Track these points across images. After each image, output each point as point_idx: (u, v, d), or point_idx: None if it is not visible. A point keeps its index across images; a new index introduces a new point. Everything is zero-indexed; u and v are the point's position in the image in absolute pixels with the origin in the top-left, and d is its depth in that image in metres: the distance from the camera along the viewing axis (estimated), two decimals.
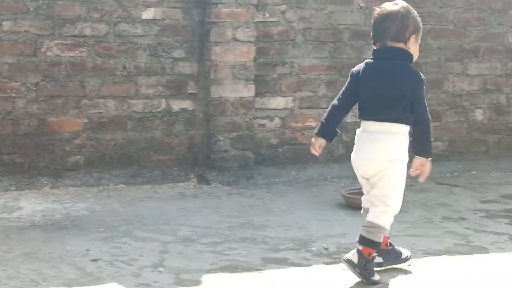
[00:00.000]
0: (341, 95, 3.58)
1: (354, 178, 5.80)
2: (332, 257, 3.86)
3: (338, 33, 6.08)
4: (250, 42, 5.70)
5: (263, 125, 5.96)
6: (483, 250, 4.03)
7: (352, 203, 4.96)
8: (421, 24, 3.57)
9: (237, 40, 5.66)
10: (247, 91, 5.72)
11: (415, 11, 3.56)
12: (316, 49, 6.04)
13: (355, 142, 3.54)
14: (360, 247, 3.40)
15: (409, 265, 3.71)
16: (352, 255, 3.40)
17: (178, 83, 5.72)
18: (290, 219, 4.65)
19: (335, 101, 3.58)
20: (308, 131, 6.07)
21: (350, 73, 3.58)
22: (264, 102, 5.94)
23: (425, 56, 6.29)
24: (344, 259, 3.42)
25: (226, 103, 5.69)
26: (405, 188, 5.29)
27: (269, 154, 6.00)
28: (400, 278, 3.54)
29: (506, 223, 4.64)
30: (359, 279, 3.43)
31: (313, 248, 4.01)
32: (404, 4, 3.53)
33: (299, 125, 6.07)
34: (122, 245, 3.97)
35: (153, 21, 5.61)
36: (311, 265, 3.71)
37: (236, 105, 5.71)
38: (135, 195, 5.19)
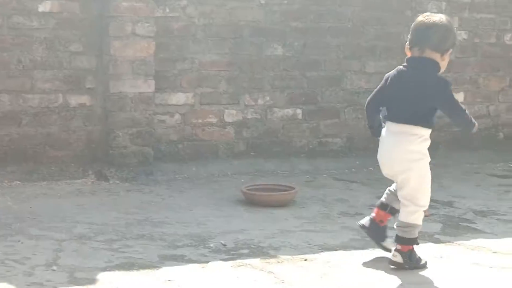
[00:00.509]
0: (373, 95, 3.82)
1: (255, 174, 5.94)
2: (229, 253, 3.85)
3: (238, 30, 6.09)
4: (150, 37, 5.64)
5: (163, 121, 5.91)
6: (375, 244, 4.09)
7: (252, 199, 4.98)
8: (454, 39, 3.68)
9: (137, 35, 5.59)
10: (147, 86, 5.66)
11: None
12: (217, 45, 6.03)
13: (379, 141, 3.73)
14: (399, 247, 3.61)
15: (305, 260, 3.75)
16: (394, 257, 3.62)
17: (75, 78, 5.61)
18: (189, 215, 4.63)
19: (368, 102, 3.82)
20: (209, 127, 6.07)
21: (384, 76, 3.79)
22: (164, 98, 5.89)
23: (324, 53, 6.38)
24: (390, 264, 3.63)
25: (126, 99, 5.61)
26: (303, 184, 5.38)
27: (169, 150, 5.95)
28: (299, 272, 3.56)
29: None
30: (258, 275, 3.45)
31: (211, 245, 3.99)
32: (448, 18, 3.68)
33: (200, 121, 6.05)
34: (15, 244, 3.86)
35: (49, 14, 5.48)
36: (209, 261, 3.69)
37: (135, 101, 5.63)
38: (30, 192, 5.06)
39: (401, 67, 3.70)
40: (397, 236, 3.63)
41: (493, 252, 4.01)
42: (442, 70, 3.63)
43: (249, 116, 6.20)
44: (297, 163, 6.26)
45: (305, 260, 3.76)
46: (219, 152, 6.12)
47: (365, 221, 3.82)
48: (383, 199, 3.84)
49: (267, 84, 6.23)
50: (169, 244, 3.97)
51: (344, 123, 6.53)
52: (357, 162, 6.42)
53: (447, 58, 3.62)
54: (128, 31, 5.56)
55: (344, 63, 6.47)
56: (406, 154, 3.59)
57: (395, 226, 3.67)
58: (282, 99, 6.30)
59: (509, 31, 7.02)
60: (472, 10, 6.87)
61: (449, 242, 4.20)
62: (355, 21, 6.46)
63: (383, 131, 3.70)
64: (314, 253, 3.87)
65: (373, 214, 3.83)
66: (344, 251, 3.95)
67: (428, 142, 3.64)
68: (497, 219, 4.76)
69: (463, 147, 6.93)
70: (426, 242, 4.16)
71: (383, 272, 3.61)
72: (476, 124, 3.75)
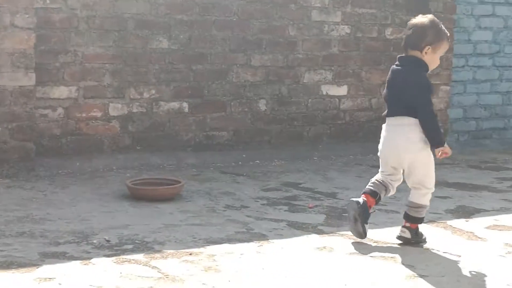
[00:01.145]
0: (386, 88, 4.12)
1: (140, 168, 5.88)
2: (113, 249, 3.79)
3: (123, 22, 6.00)
4: (29, 28, 5.46)
5: (45, 115, 5.76)
6: (262, 237, 4.13)
7: (137, 194, 4.92)
8: (443, 37, 3.95)
9: (16, 27, 5.41)
10: (27, 79, 5.49)
11: (441, 25, 3.98)
12: (101, 38, 5.92)
13: (381, 137, 4.13)
14: (408, 224, 4.06)
15: (190, 254, 3.74)
16: (403, 233, 4.06)
17: None
18: (72, 211, 4.53)
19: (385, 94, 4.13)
20: (93, 121, 5.95)
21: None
22: (46, 91, 5.74)
23: (210, 47, 6.37)
24: (398, 239, 4.06)
25: (5, 92, 5.42)
26: (189, 178, 5.37)
27: (52, 145, 5.80)
28: (184, 266, 3.54)
29: (286, 210, 4.80)
30: (142, 270, 3.42)
31: (95, 241, 3.92)
32: (431, 17, 3.99)
33: (84, 115, 5.93)
34: None
35: None
36: (91, 258, 3.62)
37: (15, 94, 5.45)
38: None
39: (393, 65, 4.06)
40: (409, 215, 4.05)
41: (374, 242, 4.11)
42: (431, 66, 3.97)
43: (135, 110, 6.12)
44: (183, 157, 6.23)
45: (190, 254, 3.74)
46: (104, 146, 6.02)
47: (359, 199, 4.05)
48: (371, 187, 4.10)
49: (153, 77, 6.17)
50: (50, 242, 3.87)
51: (230, 116, 6.55)
52: (244, 155, 6.46)
53: (430, 54, 3.93)
54: (7, 23, 5.37)
55: (230, 56, 6.48)
56: (409, 143, 3.94)
57: (406, 207, 4.08)
58: (168, 92, 6.25)
59: (389, 25, 7.21)
60: (354, 5, 7.01)
61: (332, 233, 4.28)
62: (240, 14, 6.48)
63: (383, 127, 4.11)
64: (199, 247, 3.87)
65: (364, 198, 4.05)
66: (229, 244, 3.96)
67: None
68: (379, 210, 4.85)
69: (346, 139, 7.09)
70: (309, 233, 4.23)
71: (267, 263, 3.64)
72: (441, 139, 3.99)
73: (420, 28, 3.93)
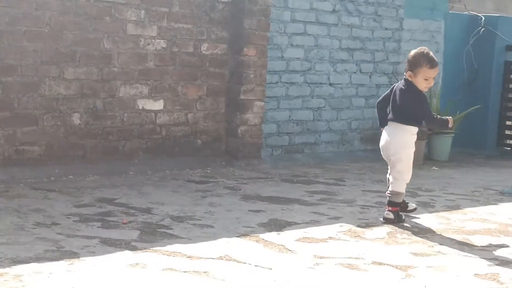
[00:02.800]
0: (381, 98, 5.48)
1: None
2: None
3: None
4: None
5: None
6: (73, 254, 4.01)
7: None
8: (420, 64, 5.13)
9: None
10: None
11: (425, 56, 5.15)
12: None
13: (382, 133, 5.38)
14: (391, 208, 5.25)
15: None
16: (388, 215, 5.25)
17: None
18: None
19: (378, 101, 5.50)
20: None
21: (391, 86, 5.47)
22: None
23: (20, 58, 6.14)
24: (383, 220, 5.25)
25: None
26: None
27: None
28: None
29: (99, 227, 4.69)
30: None
31: None
32: (421, 50, 5.24)
33: None
34: None
35: None
36: None
37: None
38: None
39: (399, 82, 5.36)
40: (390, 201, 5.26)
41: (188, 257, 4.11)
42: (420, 86, 5.17)
43: None
44: None
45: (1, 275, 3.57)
46: None
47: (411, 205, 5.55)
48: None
49: None
50: None
51: (42, 130, 6.33)
52: (56, 170, 6.26)
53: (413, 77, 5.16)
54: None
55: (42, 69, 6.27)
56: (399, 142, 5.22)
57: (387, 195, 5.28)
58: None
59: (205, 41, 7.28)
60: (170, 20, 7.01)
61: (145, 248, 4.23)
62: (53, 26, 6.29)
63: (386, 127, 5.33)
64: (4, 267, 3.68)
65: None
66: (38, 263, 3.80)
67: (415, 137, 5.28)
68: (193, 224, 4.89)
69: (163, 153, 7.06)
70: (123, 250, 4.16)
71: (77, 281, 3.54)
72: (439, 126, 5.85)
73: (412, 56, 5.19)
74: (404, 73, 5.27)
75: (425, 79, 5.15)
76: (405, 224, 5.23)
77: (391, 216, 5.23)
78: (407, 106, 5.19)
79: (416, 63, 5.15)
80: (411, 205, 5.54)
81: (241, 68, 7.42)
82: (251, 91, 7.46)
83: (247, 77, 7.45)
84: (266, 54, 7.57)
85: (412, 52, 5.23)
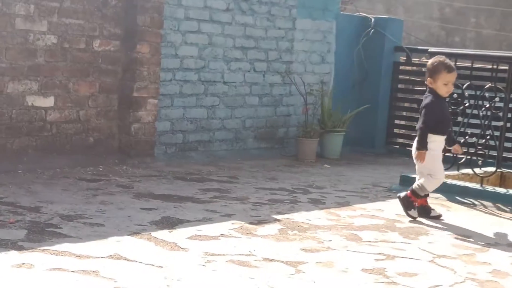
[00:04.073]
0: None
1: None
2: None
3: None
4: None
5: None
6: None
7: None
8: (440, 70, 5.53)
9: None
10: None
11: (442, 63, 5.56)
12: None
13: None
14: (409, 193, 5.64)
15: None
16: (402, 194, 5.70)
17: None
18: None
19: None
20: None
21: None
22: None
23: None
24: (397, 196, 5.78)
25: None
26: None
27: None
28: None
29: None
30: None
31: None
32: (438, 58, 5.65)
33: None
34: None
35: None
36: None
37: None
38: None
39: None
40: (413, 189, 5.66)
41: (77, 256, 4.03)
42: (441, 91, 5.58)
43: None
44: None
45: None
46: None
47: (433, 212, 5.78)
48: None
49: None
50: None
51: None
52: None
53: (432, 83, 5.57)
54: None
55: None
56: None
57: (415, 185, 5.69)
58: None
59: (98, 37, 7.16)
60: (61, 15, 6.86)
61: (32, 248, 4.11)
62: None
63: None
64: None
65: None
66: None
67: (435, 143, 5.60)
68: (83, 223, 4.80)
69: (53, 151, 6.90)
70: (8, 250, 4.03)
71: None
72: (416, 147, 5.62)
73: (430, 64, 5.62)
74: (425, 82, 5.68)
75: (445, 84, 5.52)
76: (296, 221, 5.29)
77: (403, 196, 5.66)
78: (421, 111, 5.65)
79: (435, 69, 5.55)
80: (435, 212, 5.74)
81: (134, 65, 7.33)
82: (145, 88, 7.38)
83: (140, 74, 7.37)
84: (160, 52, 7.51)
85: (430, 61, 5.65)
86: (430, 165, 5.58)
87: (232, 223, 5.11)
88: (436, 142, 5.61)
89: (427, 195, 5.76)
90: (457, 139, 6.91)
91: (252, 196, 6.14)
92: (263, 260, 4.24)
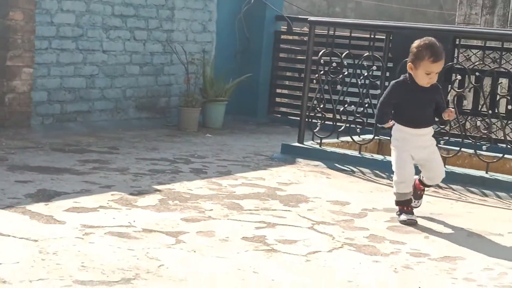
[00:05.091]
0: None
1: None
2: None
3: None
4: None
5: None
6: None
7: None
8: (423, 57, 4.60)
9: None
10: None
11: (429, 48, 4.60)
12: None
13: None
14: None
15: None
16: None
17: None
18: None
19: None
20: None
21: None
22: None
23: None
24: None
25: None
26: None
27: None
28: None
29: None
30: None
31: None
32: (425, 40, 4.67)
33: None
34: None
35: None
36: None
37: None
38: None
39: None
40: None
41: None
42: (420, 80, 4.68)
43: None
44: None
45: None
46: None
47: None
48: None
49: None
50: None
51: None
52: None
53: (420, 70, 4.65)
54: None
55: None
56: None
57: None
58: None
59: None
60: None
61: None
62: None
63: None
64: None
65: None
66: None
67: (399, 133, 4.83)
68: None
69: None
70: None
71: None
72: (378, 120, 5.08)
73: (411, 48, 4.71)
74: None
75: (427, 74, 4.64)
76: (177, 191, 5.26)
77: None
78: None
79: (418, 55, 4.64)
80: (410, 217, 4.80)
81: (7, 33, 7.07)
82: (19, 57, 7.13)
83: (14, 42, 7.11)
84: (34, 19, 7.27)
85: (416, 42, 4.69)
86: (392, 159, 4.88)
87: (112, 195, 5.02)
88: (401, 132, 4.83)
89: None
90: (337, 107, 7.08)
91: (133, 167, 6.05)
92: (143, 231, 4.19)
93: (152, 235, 4.14)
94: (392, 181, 4.88)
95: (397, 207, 4.85)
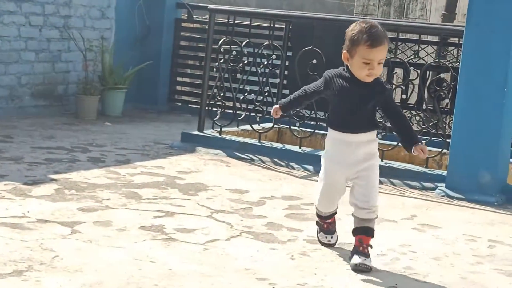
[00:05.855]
0: None
1: None
2: None
3: None
4: None
5: None
6: None
7: None
8: (359, 42, 3.65)
9: None
10: None
11: (365, 31, 3.65)
12: None
13: None
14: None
15: None
16: None
17: None
18: None
19: None
20: None
21: None
22: None
23: None
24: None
25: None
26: None
27: None
28: None
29: None
30: None
31: None
32: (362, 23, 3.72)
33: None
34: None
35: None
36: None
37: None
38: None
39: None
40: None
41: None
42: (358, 72, 3.72)
43: None
44: None
45: None
46: None
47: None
48: None
49: None
50: None
51: None
52: None
53: (356, 58, 3.69)
54: None
55: None
56: None
57: None
58: None
59: None
60: None
61: None
62: None
63: None
64: None
65: None
66: None
67: (328, 140, 3.89)
68: None
69: None
70: None
71: None
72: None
73: (346, 33, 3.77)
74: None
75: (365, 63, 3.68)
76: (73, 180, 5.16)
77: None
78: None
79: (353, 39, 3.69)
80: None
81: None
82: None
83: None
84: None
85: (351, 26, 3.75)
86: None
87: (5, 184, 4.89)
88: (331, 140, 3.88)
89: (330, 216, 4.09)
90: (237, 96, 7.10)
91: (28, 156, 5.90)
92: (38, 222, 4.10)
93: (47, 225, 4.05)
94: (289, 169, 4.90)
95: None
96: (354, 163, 3.78)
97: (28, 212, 4.27)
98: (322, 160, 3.92)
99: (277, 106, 4.12)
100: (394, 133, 4.21)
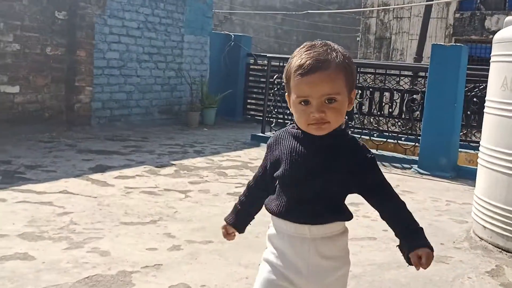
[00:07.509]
0: None
1: None
2: None
3: None
4: None
5: None
6: None
7: None
8: (290, 73, 1.43)
9: None
10: None
11: (297, 57, 1.44)
12: None
13: None
14: None
15: None
16: None
17: None
18: None
19: None
20: None
21: None
22: None
23: None
24: None
25: None
26: None
27: None
28: None
29: None
30: None
31: None
32: (296, 51, 1.47)
33: None
34: None
35: None
36: None
37: None
38: None
39: None
40: None
41: (37, 193, 3.79)
42: (298, 117, 1.43)
43: None
44: None
45: None
46: None
47: None
48: None
49: None
50: None
51: None
52: None
53: (292, 95, 1.43)
54: None
55: None
56: None
57: None
58: None
59: (49, 45, 6.69)
60: (23, 30, 6.35)
61: (5, 188, 3.83)
62: None
63: None
64: None
65: None
66: None
67: (268, 237, 1.52)
68: (41, 170, 4.52)
69: (20, 123, 6.44)
70: None
71: None
72: None
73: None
74: None
75: (301, 102, 1.38)
76: (185, 165, 5.21)
77: None
78: None
79: (285, 71, 1.45)
80: None
81: (75, 64, 6.93)
82: (83, 80, 7.00)
83: (80, 70, 6.98)
84: (93, 55, 7.13)
85: (301, 47, 1.49)
86: None
87: (144, 167, 4.97)
88: (272, 236, 1.48)
89: None
90: (285, 111, 7.06)
91: (157, 149, 5.99)
92: (164, 190, 4.15)
93: (169, 192, 4.10)
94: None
95: None
96: (311, 275, 1.44)
97: (158, 184, 4.34)
98: (259, 271, 1.51)
99: (225, 223, 1.68)
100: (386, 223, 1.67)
